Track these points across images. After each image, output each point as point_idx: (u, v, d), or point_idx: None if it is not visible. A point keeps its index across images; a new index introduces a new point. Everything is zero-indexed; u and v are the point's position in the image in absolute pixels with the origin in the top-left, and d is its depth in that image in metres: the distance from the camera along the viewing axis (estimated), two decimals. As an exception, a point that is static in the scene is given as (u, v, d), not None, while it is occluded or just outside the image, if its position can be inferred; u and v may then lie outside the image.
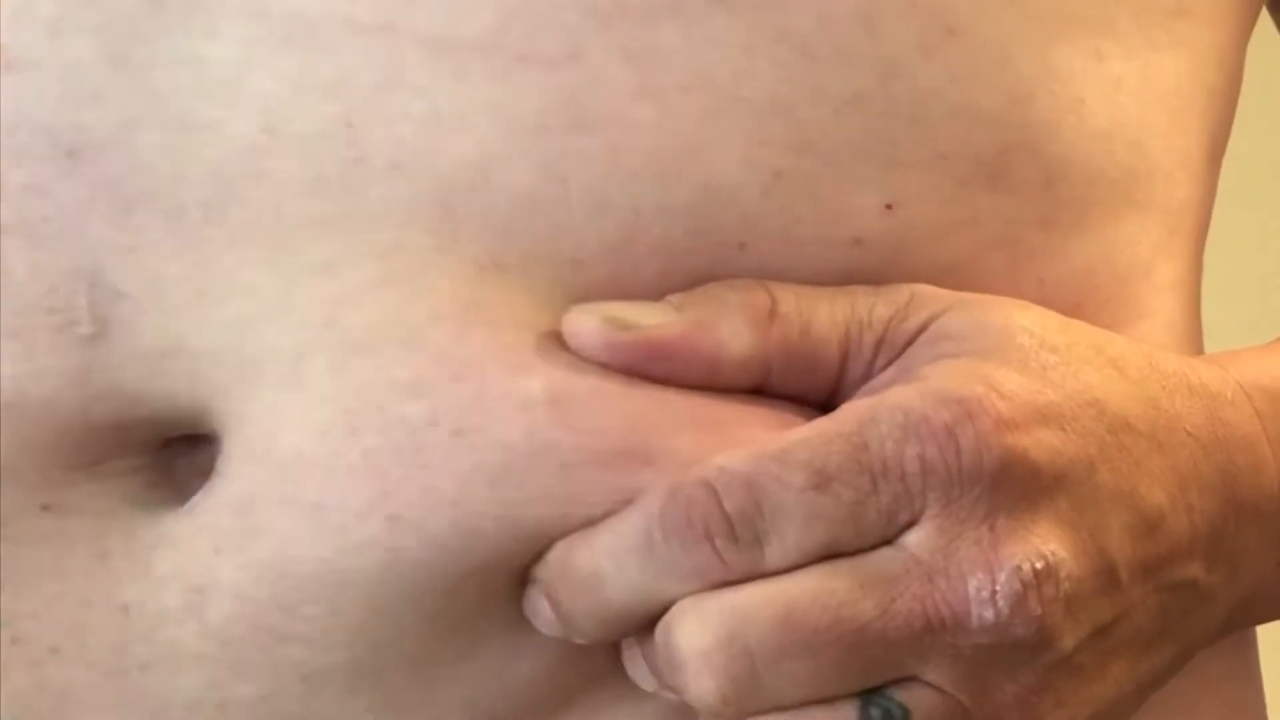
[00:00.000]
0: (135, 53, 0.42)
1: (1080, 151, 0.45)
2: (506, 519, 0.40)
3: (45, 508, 0.41)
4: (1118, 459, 0.42)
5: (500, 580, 0.41)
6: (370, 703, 0.42)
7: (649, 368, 0.41)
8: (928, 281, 0.44)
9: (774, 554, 0.40)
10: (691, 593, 0.40)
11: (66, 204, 0.41)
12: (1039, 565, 0.40)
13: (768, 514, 0.40)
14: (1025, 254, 0.45)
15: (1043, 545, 0.40)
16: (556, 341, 0.42)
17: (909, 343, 0.43)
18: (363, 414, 0.41)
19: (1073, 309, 0.45)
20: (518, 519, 0.40)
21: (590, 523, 0.41)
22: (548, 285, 0.42)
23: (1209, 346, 0.51)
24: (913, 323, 0.43)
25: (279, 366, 0.41)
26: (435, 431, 0.40)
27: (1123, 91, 0.46)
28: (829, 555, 0.40)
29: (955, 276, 0.44)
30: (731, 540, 0.39)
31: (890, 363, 0.43)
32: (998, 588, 0.39)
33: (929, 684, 0.40)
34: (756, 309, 0.42)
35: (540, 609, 0.41)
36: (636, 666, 0.42)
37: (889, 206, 0.43)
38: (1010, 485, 0.40)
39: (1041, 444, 0.40)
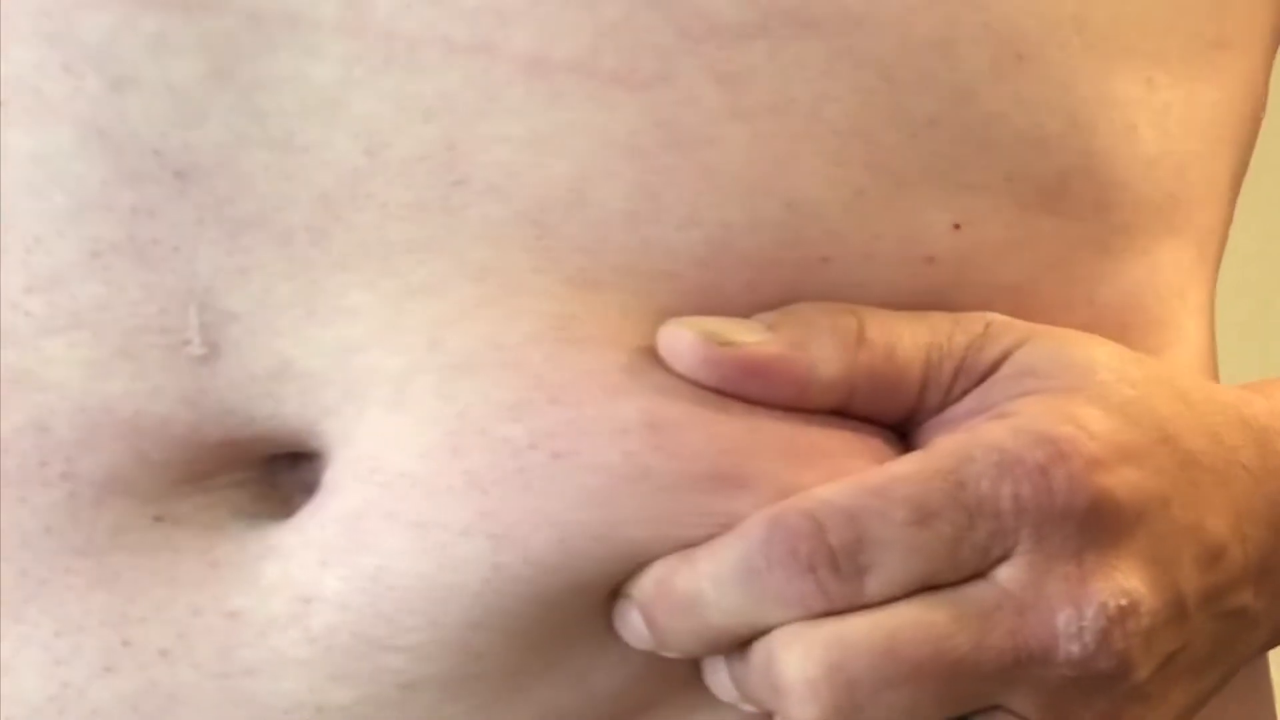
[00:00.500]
0: (238, 70, 0.42)
1: (1132, 177, 0.47)
2: (606, 539, 0.41)
3: (157, 519, 0.42)
4: (1187, 493, 0.43)
5: (596, 595, 0.42)
6: (462, 709, 0.43)
7: (742, 385, 0.42)
8: (991, 301, 0.45)
9: (874, 586, 0.41)
10: (791, 620, 0.41)
11: (176, 225, 0.42)
12: (1123, 603, 0.41)
13: (870, 547, 0.41)
14: (1079, 276, 0.46)
15: (1125, 582, 0.41)
16: (648, 360, 0.42)
17: (987, 373, 0.44)
18: (465, 435, 0.41)
19: (1120, 331, 0.47)
20: (617, 539, 0.41)
21: (687, 544, 0.42)
22: (639, 298, 0.43)
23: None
24: (990, 353, 0.44)
25: (384, 388, 0.42)
26: (535, 454, 0.41)
27: (1171, 119, 0.48)
28: (925, 588, 0.41)
29: (1016, 296, 0.45)
30: (834, 571, 0.41)
31: (966, 391, 0.44)
32: (1085, 623, 0.41)
33: (1014, 712, 0.42)
34: (846, 333, 0.43)
35: (633, 623, 0.42)
36: (718, 677, 0.43)
37: (958, 226, 0.44)
38: (1097, 523, 0.41)
39: (1126, 483, 0.42)
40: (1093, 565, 0.41)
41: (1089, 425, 0.42)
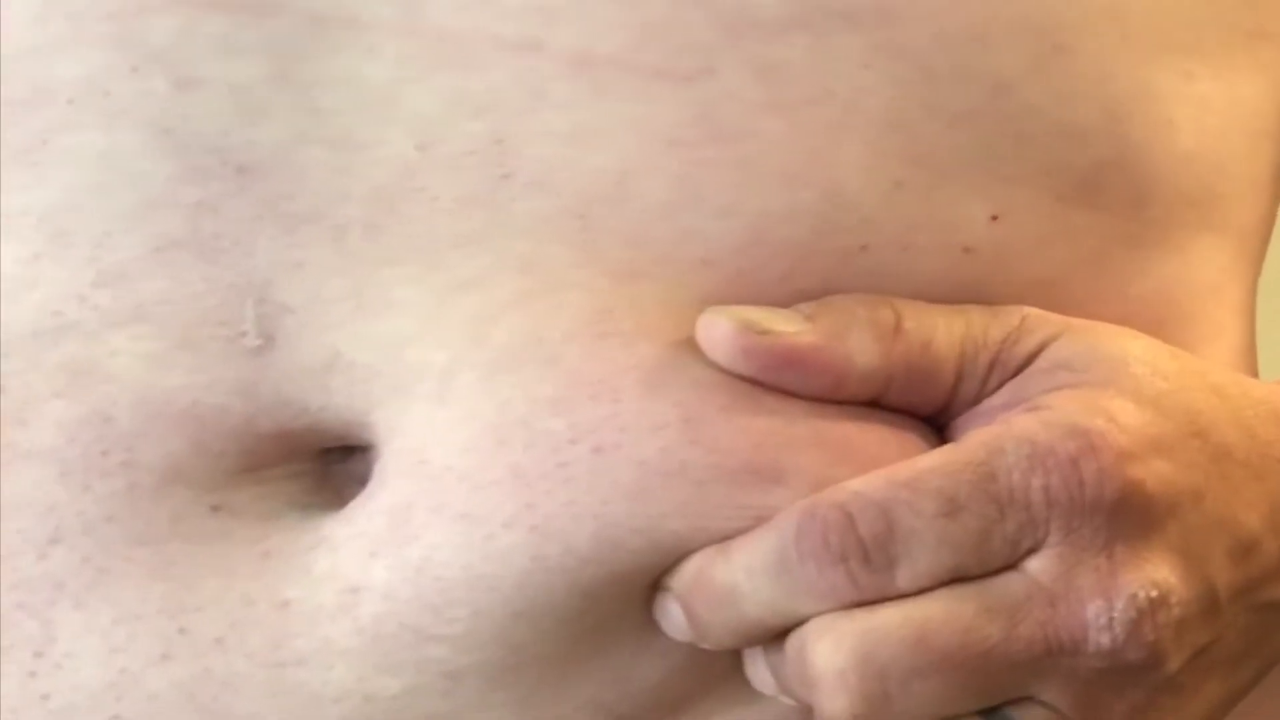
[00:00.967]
0: (298, 70, 0.43)
1: (1168, 171, 0.47)
2: (645, 532, 0.42)
3: (214, 509, 0.44)
4: (1220, 486, 0.44)
5: (636, 587, 0.43)
6: (505, 698, 0.44)
7: (780, 375, 0.43)
8: (1026, 293, 0.45)
9: (904, 577, 0.41)
10: (823, 611, 0.42)
11: (236, 221, 0.43)
12: (1153, 594, 0.42)
13: (900, 539, 0.41)
14: (1113, 270, 0.47)
15: (1155, 574, 0.42)
16: (684, 354, 0.43)
17: (1022, 366, 0.44)
18: (507, 429, 0.42)
19: (1155, 326, 0.47)
20: (656, 532, 0.42)
21: (725, 536, 0.43)
22: (677, 289, 0.44)
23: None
24: (1025, 346, 0.44)
25: (430, 382, 0.43)
26: (576, 448, 0.42)
27: (1209, 113, 0.48)
28: (955, 579, 0.42)
29: (1051, 289, 0.46)
30: (865, 563, 0.41)
31: (1002, 383, 0.44)
32: (1115, 614, 0.42)
33: (1044, 703, 0.42)
34: (883, 324, 0.44)
35: (672, 615, 0.43)
36: (757, 670, 0.44)
37: (995, 218, 0.45)
38: (1128, 515, 0.42)
39: (1157, 475, 0.42)
40: (1123, 557, 0.42)
41: (1120, 418, 0.42)
